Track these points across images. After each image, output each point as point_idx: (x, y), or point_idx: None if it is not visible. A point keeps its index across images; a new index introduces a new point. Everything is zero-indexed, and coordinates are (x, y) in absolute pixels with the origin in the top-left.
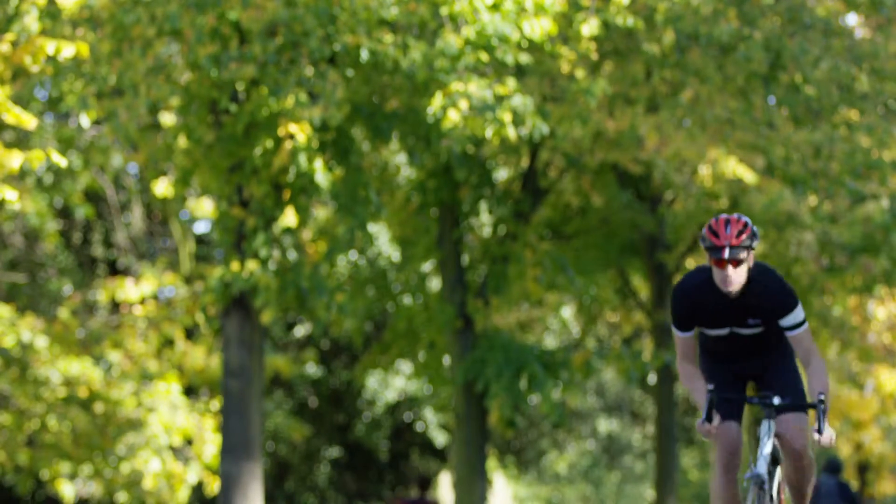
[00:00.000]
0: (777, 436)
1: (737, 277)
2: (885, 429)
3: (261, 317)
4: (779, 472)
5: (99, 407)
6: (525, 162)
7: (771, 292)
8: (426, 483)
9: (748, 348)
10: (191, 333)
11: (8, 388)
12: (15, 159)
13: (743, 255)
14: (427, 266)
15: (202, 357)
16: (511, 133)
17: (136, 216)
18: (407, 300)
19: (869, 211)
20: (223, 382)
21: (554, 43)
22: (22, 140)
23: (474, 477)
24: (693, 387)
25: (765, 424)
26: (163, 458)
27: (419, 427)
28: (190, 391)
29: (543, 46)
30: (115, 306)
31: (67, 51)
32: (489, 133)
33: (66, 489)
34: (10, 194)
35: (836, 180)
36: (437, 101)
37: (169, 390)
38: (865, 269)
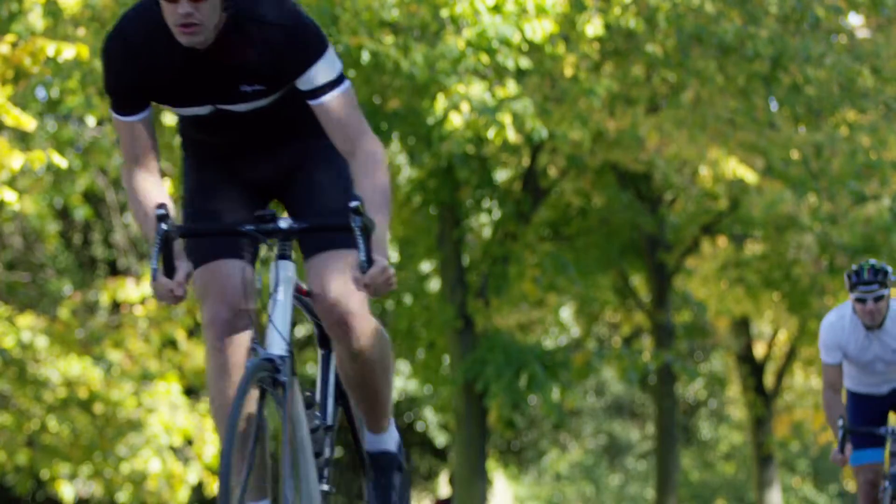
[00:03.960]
0: (312, 297)
1: (201, 16)
2: None
3: (261, 317)
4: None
5: (99, 407)
6: (526, 162)
7: (274, 32)
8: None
9: (255, 138)
10: (192, 333)
11: (8, 389)
12: (16, 160)
13: None
14: (427, 266)
15: (203, 357)
16: (511, 135)
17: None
18: (407, 299)
19: (869, 212)
20: None
21: (555, 43)
22: (21, 140)
23: (474, 477)
24: (145, 226)
25: (272, 267)
26: (163, 459)
27: (419, 427)
28: (190, 391)
29: (544, 48)
30: (116, 306)
31: (68, 52)
32: (491, 134)
33: (66, 490)
34: (10, 195)
35: (837, 180)
36: (440, 103)
37: (169, 390)
38: None
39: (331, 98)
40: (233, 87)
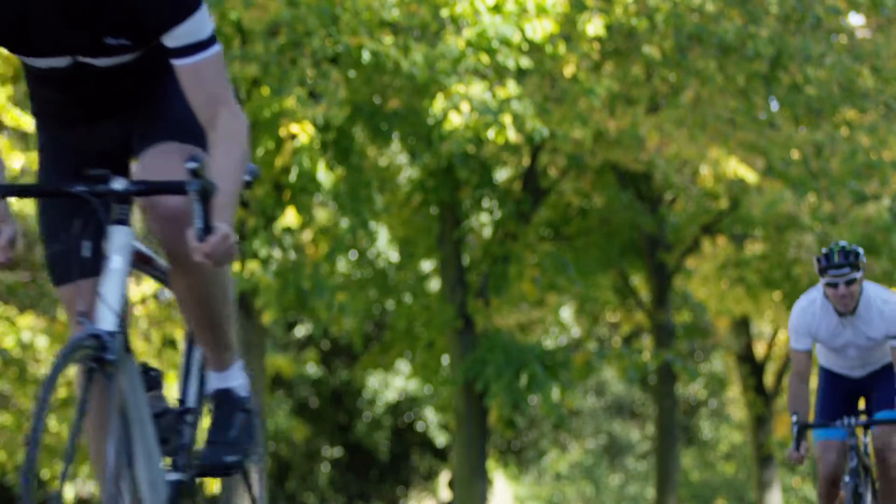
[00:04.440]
0: (143, 206)
1: None
2: None
3: (261, 317)
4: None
5: None
6: (526, 162)
7: None
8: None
9: (111, 98)
10: None
11: (8, 389)
12: (16, 160)
13: None
14: (427, 266)
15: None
16: (511, 136)
17: (135, 216)
18: (407, 298)
19: (869, 212)
20: None
21: (555, 43)
22: (21, 140)
23: (474, 477)
24: None
25: (108, 234)
26: None
27: (419, 427)
28: None
29: (544, 48)
30: None
31: None
32: (491, 134)
33: (66, 490)
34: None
35: (837, 180)
36: (439, 103)
37: (169, 390)
38: (867, 268)
39: (198, 60)
40: (97, 37)
